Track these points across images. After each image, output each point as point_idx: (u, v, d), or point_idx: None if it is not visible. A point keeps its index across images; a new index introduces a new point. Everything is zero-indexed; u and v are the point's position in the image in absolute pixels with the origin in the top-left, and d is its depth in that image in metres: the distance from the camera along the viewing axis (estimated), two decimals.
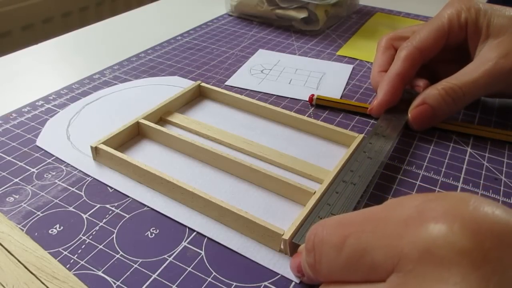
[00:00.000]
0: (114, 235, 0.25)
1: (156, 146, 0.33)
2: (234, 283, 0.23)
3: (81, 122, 0.36)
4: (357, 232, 0.18)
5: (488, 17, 0.35)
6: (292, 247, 0.24)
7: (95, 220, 0.26)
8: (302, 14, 0.55)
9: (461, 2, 0.36)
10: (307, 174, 0.30)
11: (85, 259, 0.24)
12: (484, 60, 0.33)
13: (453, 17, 0.36)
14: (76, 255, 0.24)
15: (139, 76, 0.44)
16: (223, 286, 0.23)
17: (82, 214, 0.27)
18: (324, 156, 0.33)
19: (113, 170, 0.30)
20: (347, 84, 0.44)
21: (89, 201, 0.28)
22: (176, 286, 0.23)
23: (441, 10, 0.37)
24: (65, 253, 0.24)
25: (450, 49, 0.37)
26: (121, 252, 0.24)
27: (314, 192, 0.27)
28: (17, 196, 0.28)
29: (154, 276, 0.23)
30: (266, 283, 0.23)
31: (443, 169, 0.32)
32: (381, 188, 0.30)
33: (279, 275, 0.23)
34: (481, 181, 0.31)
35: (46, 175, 0.30)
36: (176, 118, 0.36)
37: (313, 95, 0.39)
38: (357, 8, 0.66)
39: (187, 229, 0.26)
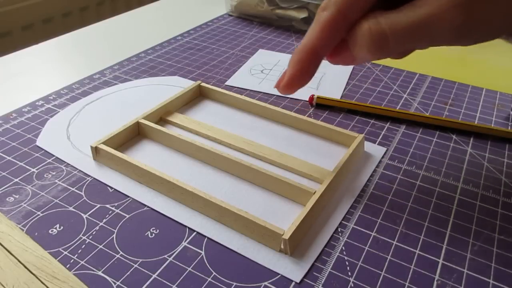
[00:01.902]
0: (114, 235, 0.25)
1: (156, 146, 0.33)
2: (234, 283, 0.23)
3: (81, 122, 0.36)
4: None
5: None
6: (292, 247, 0.24)
7: (95, 220, 0.26)
8: (302, 14, 0.55)
9: None
10: (307, 174, 0.30)
11: (85, 259, 0.24)
12: (431, 2, 0.22)
13: None
14: (76, 255, 0.24)
15: (139, 76, 0.44)
16: (223, 286, 0.23)
17: (82, 214, 0.27)
18: (324, 156, 0.33)
19: (113, 170, 0.30)
20: (347, 84, 0.44)
21: (89, 201, 0.28)
22: (176, 286, 0.23)
23: None
24: (65, 253, 0.24)
25: None
26: (121, 252, 0.24)
27: (314, 192, 0.27)
28: (17, 196, 0.28)
29: (154, 276, 0.23)
30: (266, 283, 0.23)
31: (443, 169, 0.32)
32: (381, 188, 0.30)
33: (279, 275, 0.23)
34: (481, 181, 0.31)
35: (46, 175, 0.30)
36: (176, 118, 0.36)
37: (313, 95, 0.39)
38: None
39: (187, 229, 0.26)
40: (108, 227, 0.26)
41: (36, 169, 0.30)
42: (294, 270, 0.24)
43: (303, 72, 0.26)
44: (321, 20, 0.25)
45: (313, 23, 0.26)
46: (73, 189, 0.29)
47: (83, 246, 0.25)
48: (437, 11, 0.22)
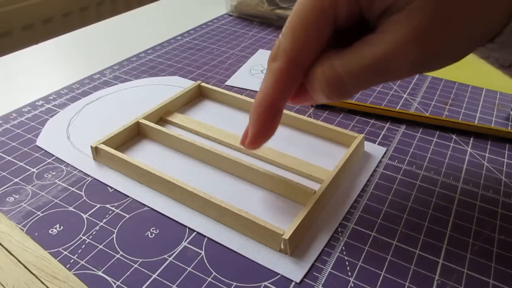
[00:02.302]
0: (114, 235, 0.25)
1: (156, 146, 0.33)
2: (234, 283, 0.23)
3: (81, 122, 0.36)
4: None
5: None
6: (292, 247, 0.24)
7: (95, 220, 0.26)
8: None
9: None
10: (307, 174, 0.30)
11: (85, 259, 0.24)
12: (385, 39, 0.21)
13: None
14: (76, 255, 0.24)
15: (139, 76, 0.44)
16: (223, 286, 0.23)
17: (82, 214, 0.27)
18: (324, 156, 0.33)
19: (113, 170, 0.30)
20: None
21: (89, 201, 0.28)
22: (176, 286, 0.23)
23: None
24: (65, 253, 0.24)
25: (349, 24, 0.23)
26: (121, 252, 0.24)
27: (314, 192, 0.27)
28: (17, 196, 0.28)
29: (154, 276, 0.23)
30: (266, 283, 0.23)
31: (443, 169, 0.32)
32: (381, 188, 0.30)
33: (279, 275, 0.23)
34: (481, 181, 0.31)
35: (46, 175, 0.30)
36: (176, 118, 0.36)
37: None
38: None
39: (187, 229, 0.26)
40: (108, 227, 0.26)
41: (36, 169, 0.30)
42: (294, 270, 0.24)
43: (265, 127, 0.25)
44: (273, 71, 0.23)
45: (265, 74, 0.24)
46: (73, 189, 0.29)
47: (83, 246, 0.25)
48: (393, 48, 0.20)
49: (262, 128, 0.25)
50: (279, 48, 0.23)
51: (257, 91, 0.41)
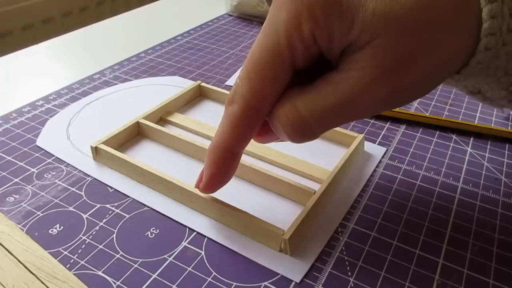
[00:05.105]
0: (114, 235, 0.25)
1: (156, 146, 0.33)
2: (234, 283, 0.23)
3: (81, 122, 0.36)
4: None
5: (349, 15, 0.19)
6: (292, 247, 0.24)
7: (95, 220, 0.26)
8: None
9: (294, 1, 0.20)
10: (307, 174, 0.30)
11: (85, 259, 0.24)
12: (349, 78, 0.20)
13: (290, 36, 0.20)
14: (76, 255, 0.24)
15: (139, 76, 0.44)
16: (223, 286, 0.23)
17: (82, 214, 0.27)
18: (324, 156, 0.33)
19: (113, 170, 0.30)
20: None
21: (89, 201, 0.28)
22: (176, 286, 0.23)
23: (268, 16, 0.21)
24: (65, 253, 0.24)
25: (309, 64, 0.22)
26: (121, 252, 0.24)
27: (314, 192, 0.27)
28: (17, 196, 0.28)
29: (154, 276, 0.23)
30: (266, 283, 0.23)
31: (443, 169, 0.32)
32: (381, 188, 0.30)
33: (279, 275, 0.23)
34: (481, 181, 0.31)
35: (46, 175, 0.30)
36: (176, 118, 0.36)
37: None
38: None
39: (187, 229, 0.26)
40: (108, 227, 0.26)
41: (36, 169, 0.30)
42: (294, 270, 0.24)
43: (221, 172, 0.24)
44: (230, 116, 0.22)
45: (222, 118, 0.23)
46: (73, 189, 0.29)
47: (83, 246, 0.25)
48: (358, 88, 0.19)
49: (218, 173, 0.24)
50: (236, 92, 0.22)
51: None
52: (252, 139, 0.24)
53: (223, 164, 0.24)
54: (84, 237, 0.25)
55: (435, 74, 0.20)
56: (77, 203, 0.28)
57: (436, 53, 0.19)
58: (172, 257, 0.24)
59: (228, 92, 0.38)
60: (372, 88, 0.19)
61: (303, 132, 0.21)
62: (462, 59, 0.20)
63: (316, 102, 0.20)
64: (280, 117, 0.21)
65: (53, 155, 0.32)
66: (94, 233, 0.26)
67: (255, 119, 0.22)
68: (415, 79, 0.20)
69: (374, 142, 0.35)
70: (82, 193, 0.28)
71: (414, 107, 0.40)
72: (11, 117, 0.36)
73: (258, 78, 0.21)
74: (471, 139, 0.36)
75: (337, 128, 0.34)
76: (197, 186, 0.26)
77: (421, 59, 0.19)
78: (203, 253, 0.25)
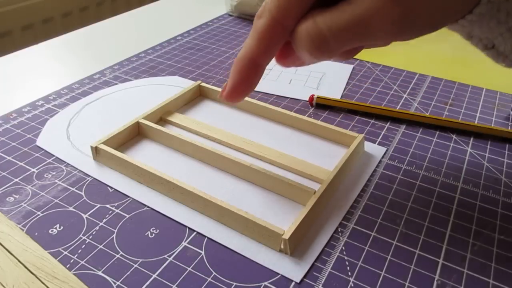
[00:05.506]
0: (114, 235, 0.25)
1: (156, 146, 0.33)
2: (234, 283, 0.23)
3: (81, 122, 0.36)
4: None
5: None
6: (292, 247, 0.24)
7: (95, 220, 0.26)
8: None
9: None
10: (307, 174, 0.30)
11: (85, 259, 0.24)
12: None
13: None
14: (76, 255, 0.24)
15: (139, 76, 0.44)
16: (223, 286, 0.23)
17: (82, 214, 0.27)
18: (324, 156, 0.33)
19: (113, 170, 0.30)
20: (347, 84, 0.44)
21: (89, 201, 0.28)
22: (176, 286, 0.23)
23: None
24: (65, 253, 0.24)
25: None
26: (121, 252, 0.24)
27: (314, 192, 0.27)
28: (17, 196, 0.28)
29: (154, 276, 0.23)
30: (266, 283, 0.23)
31: (443, 169, 0.32)
32: (381, 188, 0.30)
33: (279, 275, 0.23)
34: (481, 181, 0.31)
35: (46, 175, 0.30)
36: (176, 118, 0.36)
37: (313, 95, 0.39)
38: None
39: (187, 229, 0.26)
40: (108, 227, 0.26)
41: (36, 169, 0.30)
42: (294, 270, 0.24)
43: (244, 81, 0.26)
44: (257, 29, 0.24)
45: (251, 31, 0.25)
46: (73, 189, 0.29)
47: (83, 246, 0.25)
48: (373, 5, 0.21)
49: (241, 82, 0.25)
50: (265, 7, 0.24)
51: (257, 91, 0.42)
52: (275, 59, 0.27)
53: (246, 73, 0.25)
54: (84, 237, 0.25)
55: (442, 5, 0.22)
56: (77, 203, 0.28)
57: None
58: (172, 257, 0.24)
59: None
60: (385, 7, 0.21)
61: (320, 45, 0.23)
62: (467, 2, 0.22)
63: (334, 18, 0.22)
64: (301, 31, 0.23)
65: (53, 155, 0.32)
66: (94, 233, 0.26)
67: (279, 33, 0.24)
68: (425, 4, 0.21)
69: (374, 142, 0.35)
70: (82, 193, 0.28)
71: (414, 107, 0.40)
72: (11, 117, 0.36)
73: None
74: (471, 139, 0.36)
75: (337, 128, 0.34)
76: (220, 96, 0.27)
77: None
78: (203, 253, 0.25)
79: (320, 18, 0.23)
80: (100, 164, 0.31)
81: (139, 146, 0.33)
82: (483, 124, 0.37)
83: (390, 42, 0.26)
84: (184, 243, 0.25)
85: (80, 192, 0.29)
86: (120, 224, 0.26)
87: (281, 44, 0.25)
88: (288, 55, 0.26)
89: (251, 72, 0.25)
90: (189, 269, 0.24)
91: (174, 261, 0.24)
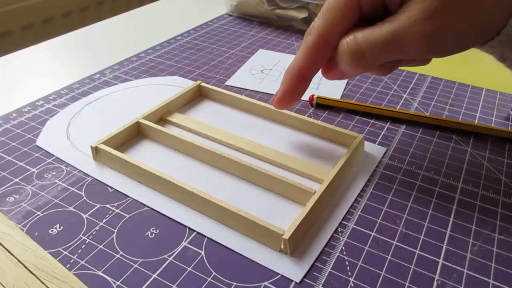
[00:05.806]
0: (114, 235, 0.25)
1: (156, 146, 0.33)
2: (234, 283, 0.23)
3: (81, 122, 0.36)
4: None
5: None
6: (292, 247, 0.24)
7: (95, 220, 0.26)
8: (302, 14, 0.55)
9: None
10: (307, 174, 0.30)
11: (85, 259, 0.24)
12: (399, 18, 0.25)
13: None
14: (76, 255, 0.24)
15: (139, 76, 0.44)
16: (223, 286, 0.23)
17: (82, 214, 0.27)
18: (324, 156, 0.33)
19: (113, 170, 0.30)
20: (347, 84, 0.44)
21: (89, 201, 0.28)
22: (176, 286, 0.23)
23: None
24: (65, 253, 0.24)
25: (376, 9, 0.27)
26: (121, 252, 0.24)
27: (314, 192, 0.27)
28: (17, 196, 0.28)
29: (154, 276, 0.23)
30: (266, 283, 0.23)
31: (443, 169, 0.32)
32: (381, 188, 0.30)
33: (279, 275, 0.23)
34: (481, 181, 0.31)
35: (46, 175, 0.30)
36: (176, 118, 0.36)
37: (313, 95, 0.39)
38: None
39: (187, 229, 0.26)
40: (108, 227, 0.26)
41: (36, 169, 0.30)
42: (294, 270, 0.24)
43: (292, 90, 0.29)
44: (306, 44, 0.28)
45: (301, 46, 0.29)
46: (73, 189, 0.29)
47: (83, 246, 0.25)
48: (406, 24, 0.24)
49: (289, 90, 0.29)
50: (313, 26, 0.28)
51: (256, 91, 0.42)
52: (321, 72, 0.31)
53: (294, 83, 0.29)
54: (84, 237, 0.25)
55: (470, 26, 0.24)
56: (77, 203, 0.28)
57: (474, 6, 0.23)
58: (172, 257, 0.24)
59: (228, 92, 0.38)
60: (417, 25, 0.24)
61: (358, 58, 0.26)
62: (494, 24, 0.24)
63: (371, 35, 0.25)
64: (342, 45, 0.27)
65: (53, 155, 0.32)
66: (94, 233, 0.26)
67: (324, 48, 0.28)
68: (453, 25, 0.24)
69: (374, 142, 0.35)
70: (82, 193, 0.28)
71: (414, 107, 0.40)
72: (11, 117, 0.36)
73: (331, 15, 0.27)
74: (471, 139, 0.36)
75: (337, 128, 0.34)
76: (272, 102, 0.31)
77: (461, 8, 0.23)
78: (203, 253, 0.25)
79: (359, 34, 0.26)
80: (100, 164, 0.31)
81: (139, 146, 0.33)
82: (483, 124, 0.37)
83: (427, 61, 0.30)
84: (184, 243, 0.25)
85: (80, 192, 0.29)
86: (120, 224, 0.26)
87: (326, 58, 0.28)
88: (332, 69, 0.30)
89: (299, 81, 0.29)
90: (189, 269, 0.24)
91: (174, 261, 0.24)
